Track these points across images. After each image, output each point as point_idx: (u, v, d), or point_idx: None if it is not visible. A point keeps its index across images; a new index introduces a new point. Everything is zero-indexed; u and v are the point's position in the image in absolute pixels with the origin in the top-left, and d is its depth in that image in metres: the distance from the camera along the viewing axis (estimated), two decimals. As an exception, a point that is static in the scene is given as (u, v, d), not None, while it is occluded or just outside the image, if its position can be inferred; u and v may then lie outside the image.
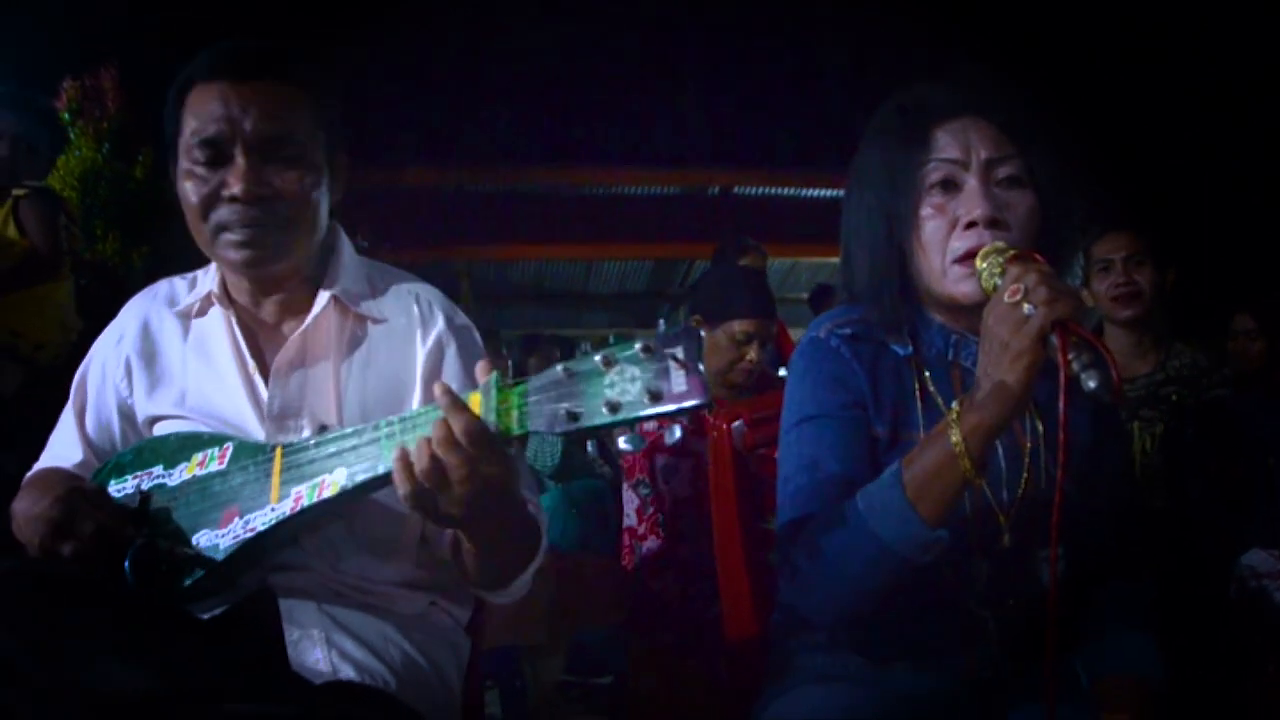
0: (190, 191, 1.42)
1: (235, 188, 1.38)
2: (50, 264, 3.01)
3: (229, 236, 1.43)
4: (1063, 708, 1.30)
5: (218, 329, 1.53)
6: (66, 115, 5.11)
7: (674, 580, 2.74)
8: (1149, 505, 2.49)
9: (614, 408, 1.03)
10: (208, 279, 1.56)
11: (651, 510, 2.85)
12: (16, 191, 3.06)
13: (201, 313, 1.55)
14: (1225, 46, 6.38)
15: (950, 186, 1.36)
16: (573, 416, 1.05)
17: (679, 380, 1.01)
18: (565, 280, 10.32)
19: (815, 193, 8.90)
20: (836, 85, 7.98)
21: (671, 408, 1.01)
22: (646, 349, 1.03)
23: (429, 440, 1.12)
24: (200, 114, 1.40)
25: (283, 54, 1.44)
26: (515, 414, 1.10)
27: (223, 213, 1.41)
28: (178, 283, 1.62)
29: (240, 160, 1.39)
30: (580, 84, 8.90)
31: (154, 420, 1.51)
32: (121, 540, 1.30)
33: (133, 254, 5.15)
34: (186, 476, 1.37)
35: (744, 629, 1.71)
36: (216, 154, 1.40)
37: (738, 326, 2.89)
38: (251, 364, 1.49)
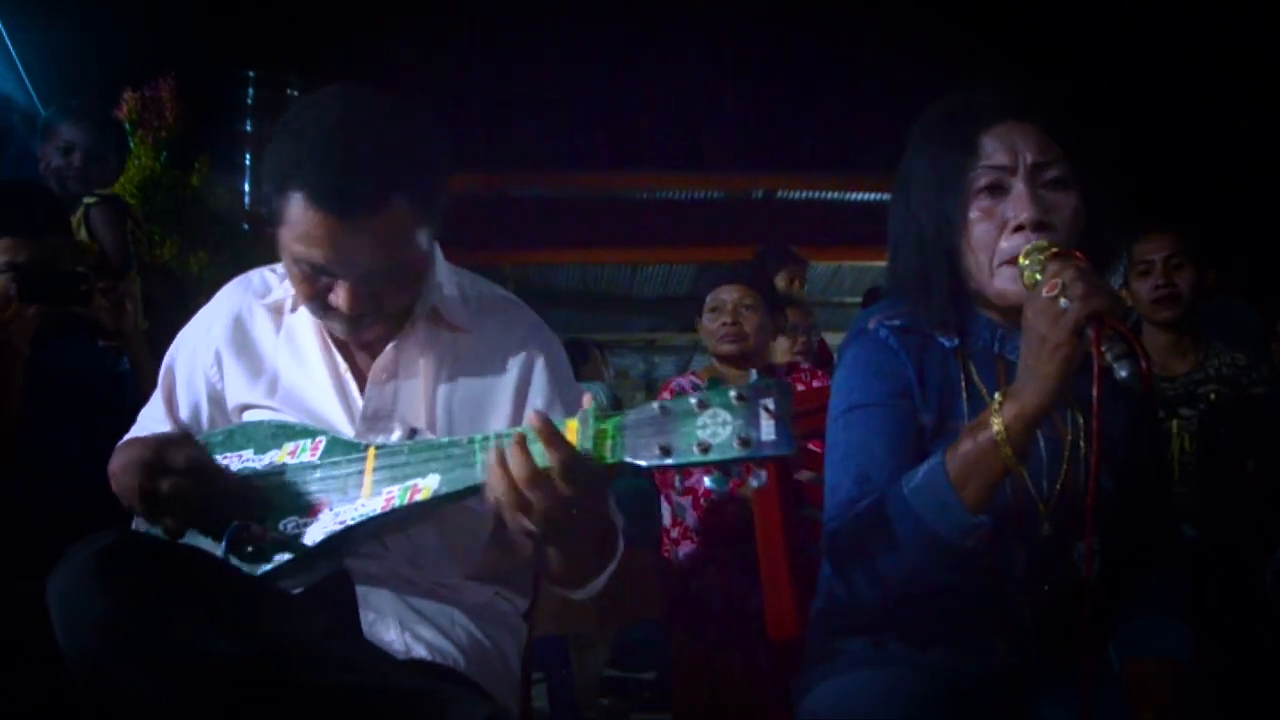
0: (293, 281, 1.44)
1: (342, 305, 1.39)
2: (120, 267, 3.13)
3: (334, 325, 1.47)
4: (1094, 693, 1.35)
5: (309, 327, 1.55)
6: (127, 125, 5.25)
7: (713, 578, 2.80)
8: (1189, 502, 2.50)
9: (705, 448, 1.08)
10: None
11: (683, 521, 2.92)
12: (88, 200, 3.20)
13: (294, 308, 1.57)
14: (1271, 46, 6.30)
15: (998, 190, 1.40)
16: (665, 451, 1.10)
17: (768, 429, 1.06)
18: (609, 284, 10.32)
19: (859, 196, 8.84)
20: (880, 89, 7.95)
21: (759, 454, 1.07)
22: (740, 397, 1.08)
23: (506, 472, 1.16)
24: (302, 237, 1.35)
25: (382, 183, 1.33)
26: (610, 444, 1.15)
27: (329, 314, 1.43)
28: (269, 274, 1.64)
29: (345, 285, 1.38)
30: (624, 89, 8.94)
31: (244, 408, 1.54)
32: (214, 473, 1.36)
33: (190, 259, 5.28)
34: (277, 463, 1.41)
35: (785, 619, 1.74)
36: (320, 270, 1.38)
37: (708, 300, 3.05)
38: (344, 365, 1.53)
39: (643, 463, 1.12)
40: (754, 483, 1.16)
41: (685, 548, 2.91)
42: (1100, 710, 1.34)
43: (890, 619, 1.46)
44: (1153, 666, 1.41)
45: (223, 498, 1.37)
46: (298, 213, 1.34)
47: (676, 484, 1.26)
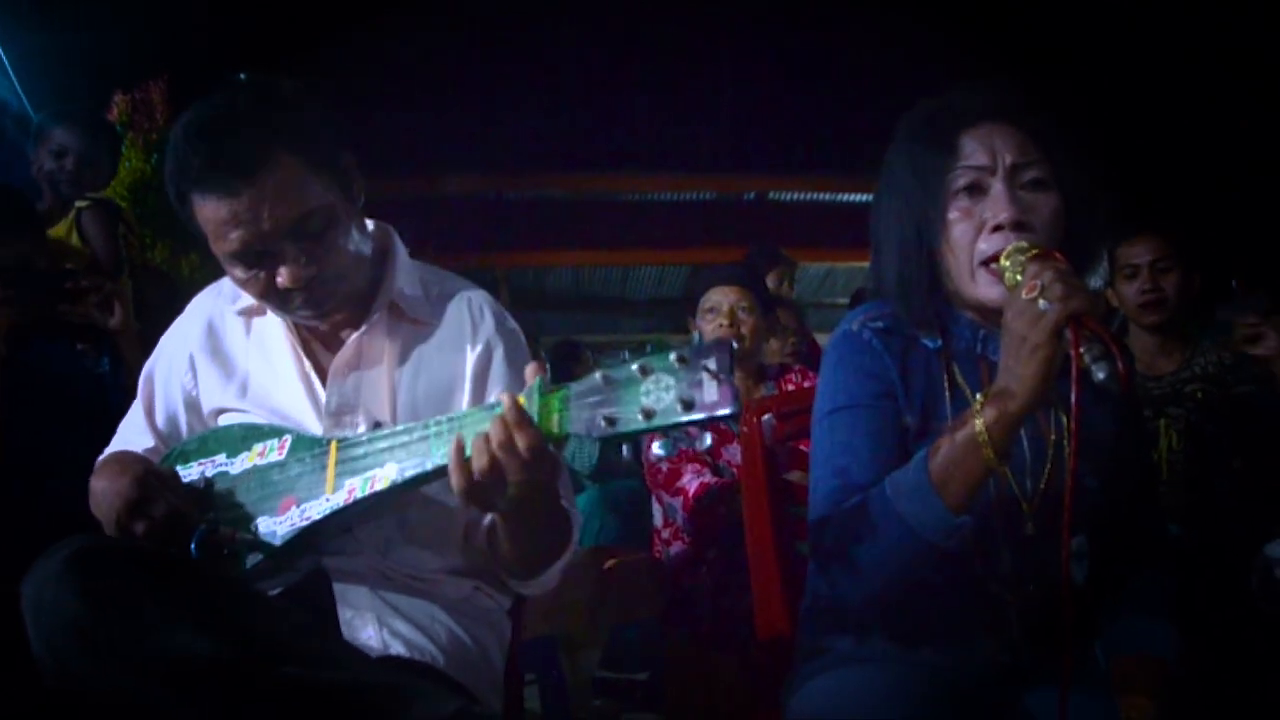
0: (244, 287, 1.48)
1: (288, 279, 1.42)
2: (112, 270, 3.14)
3: (300, 312, 1.49)
4: (1081, 692, 1.35)
5: (276, 330, 1.60)
6: (118, 127, 5.24)
7: (705, 577, 2.81)
8: (1176, 501, 2.51)
9: (649, 414, 1.09)
10: None
11: (674, 521, 2.93)
12: (79, 203, 3.21)
13: (261, 311, 1.61)
14: (1259, 46, 6.32)
15: (977, 191, 1.40)
16: (610, 421, 1.11)
17: (711, 390, 1.06)
18: (602, 286, 10.33)
19: (851, 198, 8.87)
20: (872, 90, 7.97)
21: (703, 416, 1.07)
22: (681, 359, 1.08)
23: (489, 441, 1.18)
24: (217, 232, 1.40)
25: (255, 146, 1.38)
26: (556, 417, 1.16)
27: (284, 299, 1.46)
28: None
29: (281, 256, 1.42)
30: (616, 91, 8.96)
31: (219, 412, 1.58)
32: (189, 522, 1.37)
33: (181, 261, 5.28)
34: (247, 465, 1.44)
35: (775, 618, 1.75)
36: (253, 259, 1.42)
37: (704, 302, 3.01)
38: (308, 364, 1.56)
39: (590, 434, 1.13)
40: (697, 445, 1.16)
41: (676, 548, 2.92)
42: (1088, 708, 1.36)
43: (876, 617, 1.47)
44: (1138, 666, 1.42)
45: (191, 501, 1.41)
46: (204, 212, 1.40)
47: (647, 451, 1.24)
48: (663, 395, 1.08)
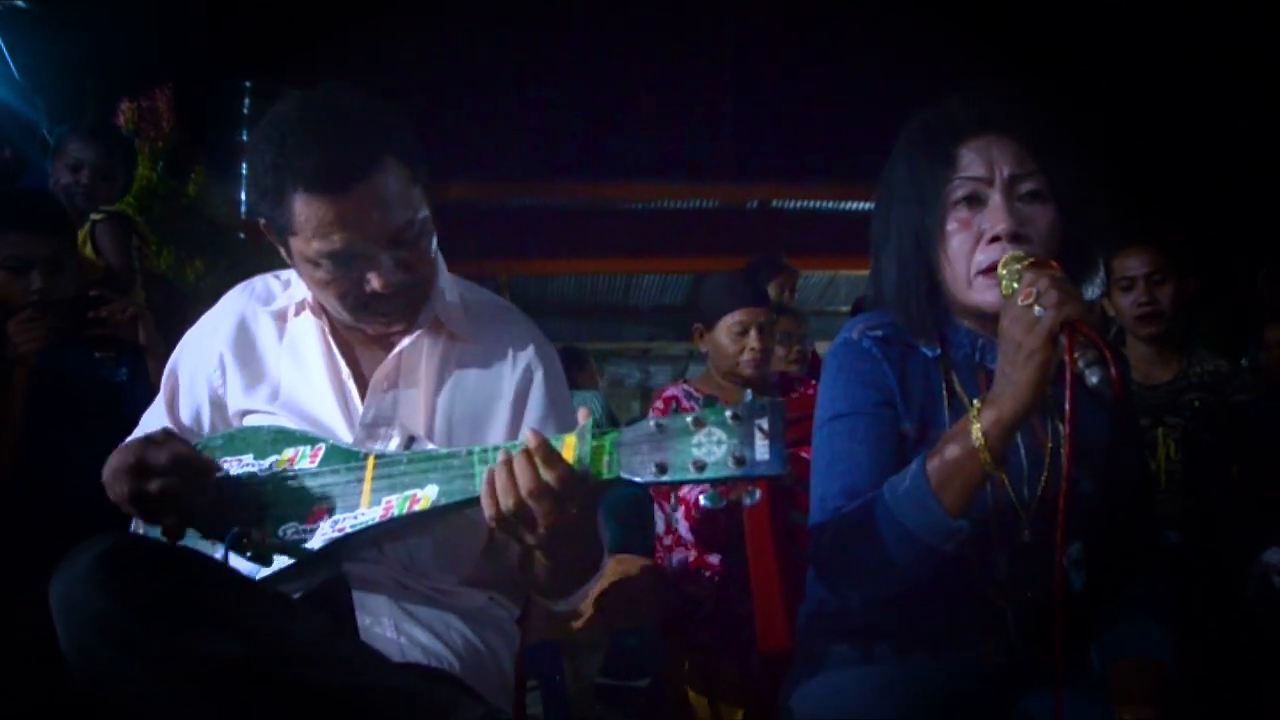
0: (322, 288, 1.46)
1: (377, 285, 1.42)
2: (124, 282, 3.18)
3: (376, 317, 1.49)
4: (1077, 696, 1.36)
5: (311, 334, 1.57)
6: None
7: (706, 584, 2.83)
8: (1174, 508, 2.52)
9: (700, 466, 1.12)
10: (300, 284, 1.58)
11: (676, 528, 2.95)
12: (94, 216, 3.25)
13: (295, 314, 1.59)
14: (1254, 56, 6.32)
15: (975, 202, 1.43)
16: (661, 468, 1.13)
17: (762, 449, 1.09)
18: (605, 294, 10.30)
19: (854, 206, 8.85)
20: (875, 98, 7.97)
21: (753, 473, 1.10)
22: (735, 416, 1.11)
23: (515, 484, 1.18)
24: (316, 232, 1.38)
25: (370, 149, 1.38)
26: (606, 459, 1.18)
27: (366, 304, 1.46)
28: (272, 281, 1.67)
29: (374, 264, 1.42)
30: (619, 99, 8.98)
31: (245, 413, 1.56)
32: (201, 466, 1.37)
33: (186, 268, 5.30)
34: (277, 469, 1.42)
35: (776, 624, 1.77)
36: (347, 261, 1.41)
37: (730, 320, 3.01)
38: (346, 371, 1.54)
39: (639, 479, 1.15)
40: (747, 501, 1.18)
41: (678, 555, 2.93)
42: (1084, 713, 1.37)
43: (875, 622, 1.49)
44: (1135, 671, 1.43)
45: (216, 496, 1.39)
46: (303, 210, 1.38)
47: (672, 499, 1.29)
48: (714, 449, 1.11)
